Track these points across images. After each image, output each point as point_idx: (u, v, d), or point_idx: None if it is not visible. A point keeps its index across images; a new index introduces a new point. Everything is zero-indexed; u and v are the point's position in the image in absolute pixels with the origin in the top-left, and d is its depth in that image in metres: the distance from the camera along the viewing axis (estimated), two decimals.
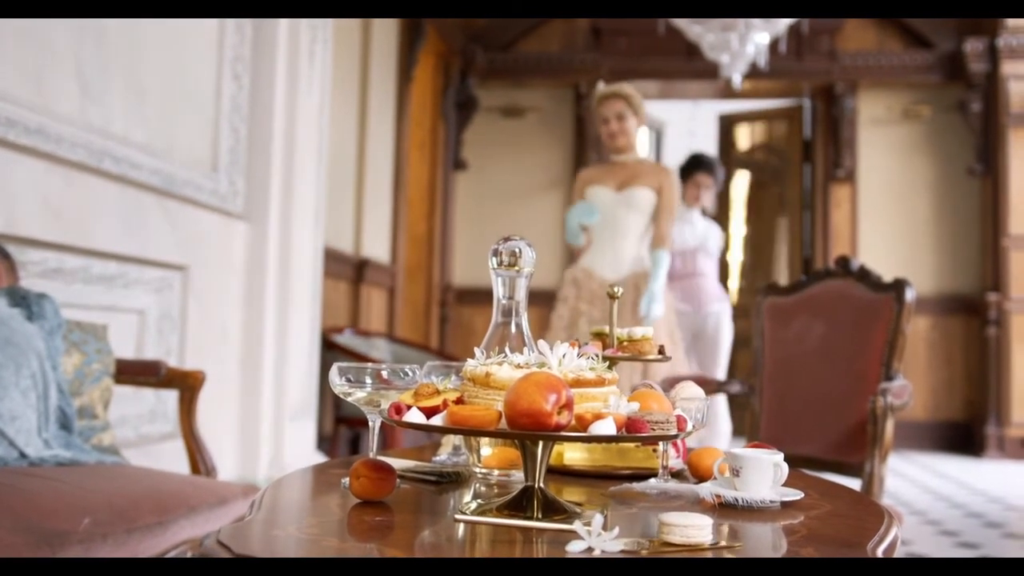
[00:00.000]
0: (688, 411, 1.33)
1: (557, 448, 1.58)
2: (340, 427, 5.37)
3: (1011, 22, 6.92)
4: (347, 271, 5.81)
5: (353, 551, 1.09)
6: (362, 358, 5.06)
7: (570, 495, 1.45)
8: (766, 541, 1.22)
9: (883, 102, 7.67)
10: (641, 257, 4.37)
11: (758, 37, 5.49)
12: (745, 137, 8.56)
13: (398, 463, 1.52)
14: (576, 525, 1.07)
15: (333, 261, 5.40)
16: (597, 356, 1.29)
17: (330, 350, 5.04)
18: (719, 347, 5.23)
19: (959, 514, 4.59)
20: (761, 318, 2.80)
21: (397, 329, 6.62)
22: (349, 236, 5.93)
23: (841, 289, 2.67)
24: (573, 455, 1.62)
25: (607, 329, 1.54)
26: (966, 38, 7.14)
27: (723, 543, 1.12)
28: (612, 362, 1.44)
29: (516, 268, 1.37)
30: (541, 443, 1.19)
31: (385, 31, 6.39)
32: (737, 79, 5.78)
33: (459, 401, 1.22)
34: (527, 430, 1.11)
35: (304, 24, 4.43)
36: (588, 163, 7.12)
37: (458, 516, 1.20)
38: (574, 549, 1.04)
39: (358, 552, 1.09)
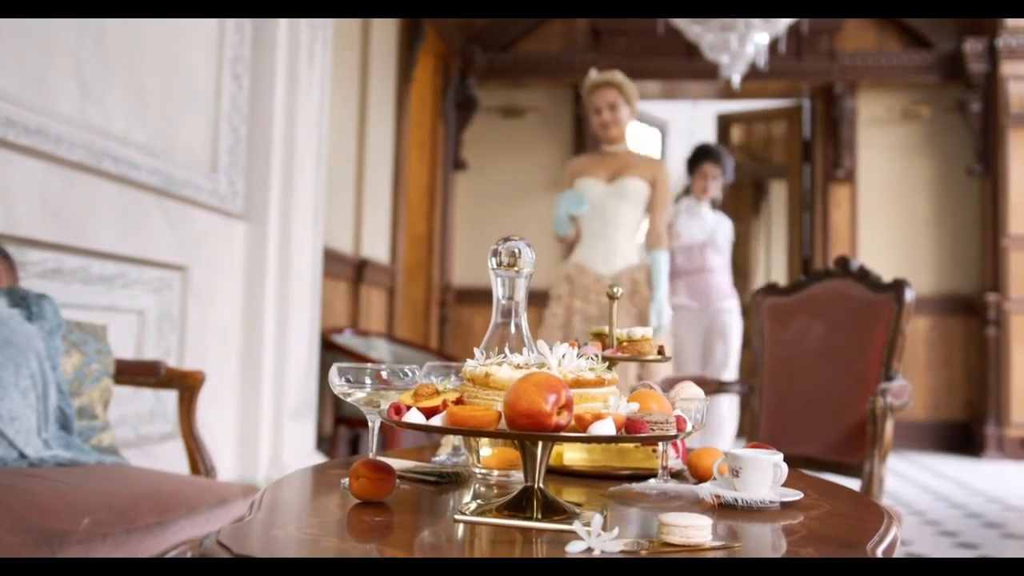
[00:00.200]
0: (687, 411, 1.33)
1: (557, 448, 1.58)
2: (340, 427, 5.37)
3: (1011, 22, 6.92)
4: (347, 271, 5.81)
5: (353, 551, 1.09)
6: (362, 358, 5.06)
7: (570, 495, 1.45)
8: (766, 541, 1.22)
9: (883, 102, 7.68)
10: (635, 250, 4.22)
11: (758, 37, 5.49)
12: (744, 137, 8.57)
13: (398, 463, 1.52)
14: (576, 525, 1.07)
15: (333, 261, 5.40)
16: (597, 356, 1.29)
17: (330, 350, 5.04)
18: (730, 346, 5.03)
19: (958, 514, 4.59)
20: (761, 318, 2.80)
21: (397, 329, 6.62)
22: (349, 236, 5.93)
23: (841, 289, 2.67)
24: (573, 455, 1.62)
25: (607, 329, 1.54)
26: (966, 38, 7.14)
27: (723, 543, 1.12)
28: (611, 362, 1.44)
29: (516, 268, 1.37)
30: (541, 443, 1.19)
31: (385, 31, 6.39)
32: (737, 79, 5.78)
33: (459, 401, 1.22)
34: (527, 430, 1.11)
35: (304, 24, 4.43)
36: None
37: (458, 516, 1.20)
38: (574, 549, 1.04)
39: (358, 552, 1.09)
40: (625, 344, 1.52)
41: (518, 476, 1.50)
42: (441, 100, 7.66)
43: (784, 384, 2.69)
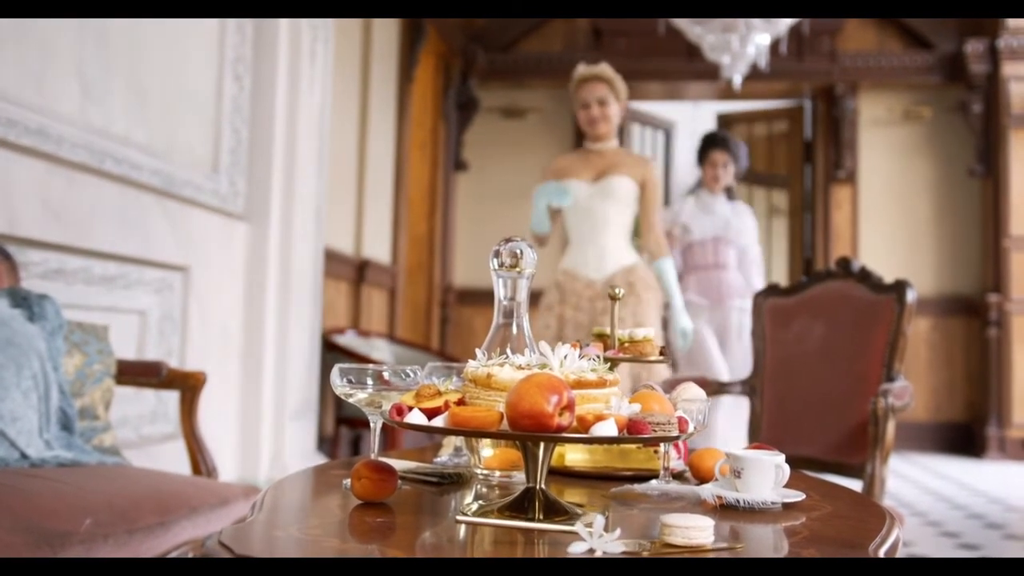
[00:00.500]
0: (689, 412, 1.33)
1: (558, 449, 1.58)
2: (341, 428, 5.37)
3: (1012, 23, 6.92)
4: (348, 272, 5.81)
5: (354, 552, 1.09)
6: (363, 359, 5.06)
7: (571, 496, 1.45)
8: (767, 542, 1.22)
9: (884, 103, 7.67)
10: (627, 250, 3.99)
11: (759, 38, 5.49)
12: (744, 138, 8.56)
13: (399, 464, 1.52)
14: (577, 526, 1.07)
15: (334, 262, 5.40)
16: (598, 357, 1.29)
17: (331, 351, 5.04)
18: (745, 345, 4.80)
19: (960, 515, 4.59)
20: (762, 319, 2.80)
21: (398, 330, 6.62)
22: (350, 237, 5.93)
23: (842, 290, 2.67)
24: (574, 456, 1.62)
25: (608, 330, 1.54)
26: (967, 39, 7.14)
27: (724, 544, 1.12)
28: (613, 363, 1.44)
29: (517, 269, 1.37)
30: (542, 444, 1.19)
31: (386, 31, 6.39)
32: (738, 80, 5.77)
33: (460, 402, 1.22)
34: (528, 431, 1.11)
35: (305, 24, 4.43)
36: None
37: (459, 517, 1.20)
38: (575, 550, 1.04)
39: (359, 553, 1.09)
40: (626, 345, 1.52)
41: (520, 477, 1.50)
42: (442, 100, 7.66)
43: (785, 385, 2.69)
